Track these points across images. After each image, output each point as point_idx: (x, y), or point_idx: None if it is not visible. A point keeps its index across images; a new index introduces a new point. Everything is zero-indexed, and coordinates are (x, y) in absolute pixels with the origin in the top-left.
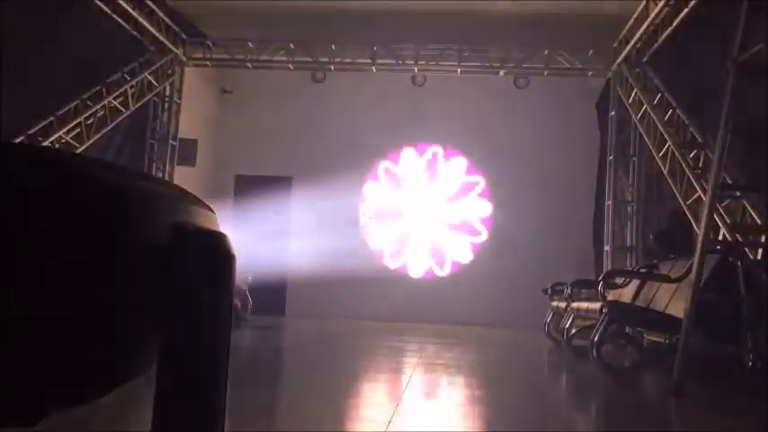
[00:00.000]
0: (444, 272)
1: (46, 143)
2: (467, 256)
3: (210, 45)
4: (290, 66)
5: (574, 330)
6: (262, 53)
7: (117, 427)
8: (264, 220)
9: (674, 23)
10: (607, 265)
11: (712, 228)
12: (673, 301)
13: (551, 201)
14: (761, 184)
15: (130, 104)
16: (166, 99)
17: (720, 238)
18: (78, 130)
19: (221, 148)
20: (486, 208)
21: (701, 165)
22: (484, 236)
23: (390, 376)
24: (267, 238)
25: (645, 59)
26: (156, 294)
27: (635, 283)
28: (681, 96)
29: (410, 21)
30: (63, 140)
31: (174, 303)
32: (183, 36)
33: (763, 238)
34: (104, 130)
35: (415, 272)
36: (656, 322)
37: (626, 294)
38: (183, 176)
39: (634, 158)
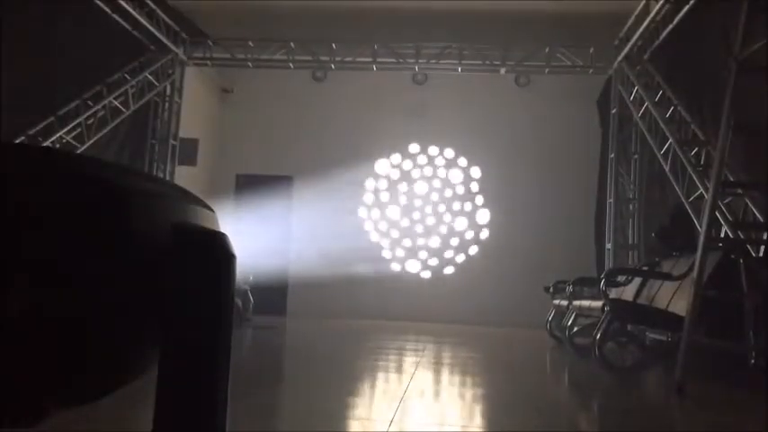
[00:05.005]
0: (446, 271)
1: (46, 143)
2: (468, 255)
3: (211, 44)
4: (290, 65)
5: (576, 328)
6: (262, 52)
7: (117, 427)
8: (265, 220)
9: (675, 21)
10: (609, 263)
11: (714, 225)
12: (675, 298)
13: (553, 198)
14: (763, 182)
15: (131, 104)
16: (167, 99)
17: (722, 235)
18: (79, 129)
19: (222, 148)
20: (487, 206)
21: (702, 162)
22: (485, 234)
23: (393, 375)
24: (268, 238)
25: (646, 57)
26: (157, 294)
27: (637, 281)
28: (682, 94)
29: (410, 19)
30: (64, 140)
31: (174, 303)
32: (184, 35)
33: (765, 236)
34: (105, 130)
35: (417, 271)
36: (658, 320)
37: (628, 292)
38: (183, 176)
39: (635, 156)
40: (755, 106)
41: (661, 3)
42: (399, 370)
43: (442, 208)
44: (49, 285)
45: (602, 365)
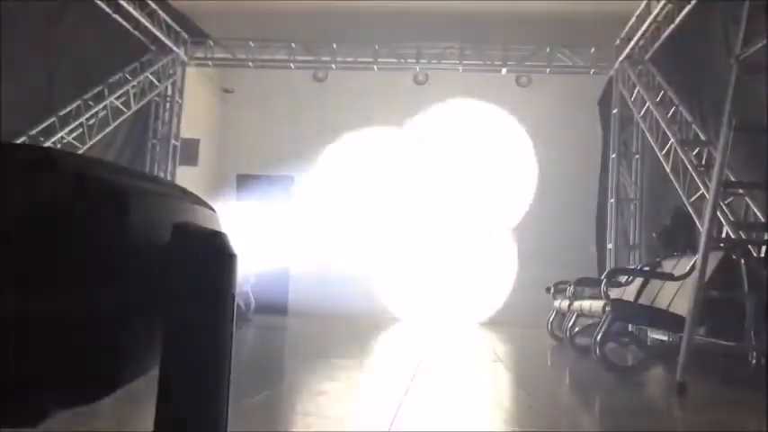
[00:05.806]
0: (446, 271)
1: (47, 143)
2: (469, 255)
3: (212, 44)
4: (291, 65)
5: (577, 329)
6: (263, 52)
7: (117, 427)
8: (266, 220)
9: (677, 21)
10: (610, 264)
11: (716, 225)
12: (676, 298)
13: (554, 199)
14: (764, 182)
15: (132, 104)
16: (168, 99)
17: (724, 235)
18: (80, 130)
19: (222, 148)
20: (488, 205)
21: (704, 162)
22: (485, 234)
23: (395, 374)
24: (269, 238)
25: (647, 57)
26: (157, 295)
27: (638, 281)
28: (683, 94)
29: (411, 19)
30: (65, 141)
31: (175, 304)
32: (185, 36)
33: (766, 236)
34: (106, 131)
35: (418, 271)
36: (659, 320)
37: (629, 292)
38: (184, 176)
39: (637, 156)
40: (756, 106)
41: (663, 3)
42: (400, 369)
43: (443, 207)
44: (48, 285)
45: (603, 366)
